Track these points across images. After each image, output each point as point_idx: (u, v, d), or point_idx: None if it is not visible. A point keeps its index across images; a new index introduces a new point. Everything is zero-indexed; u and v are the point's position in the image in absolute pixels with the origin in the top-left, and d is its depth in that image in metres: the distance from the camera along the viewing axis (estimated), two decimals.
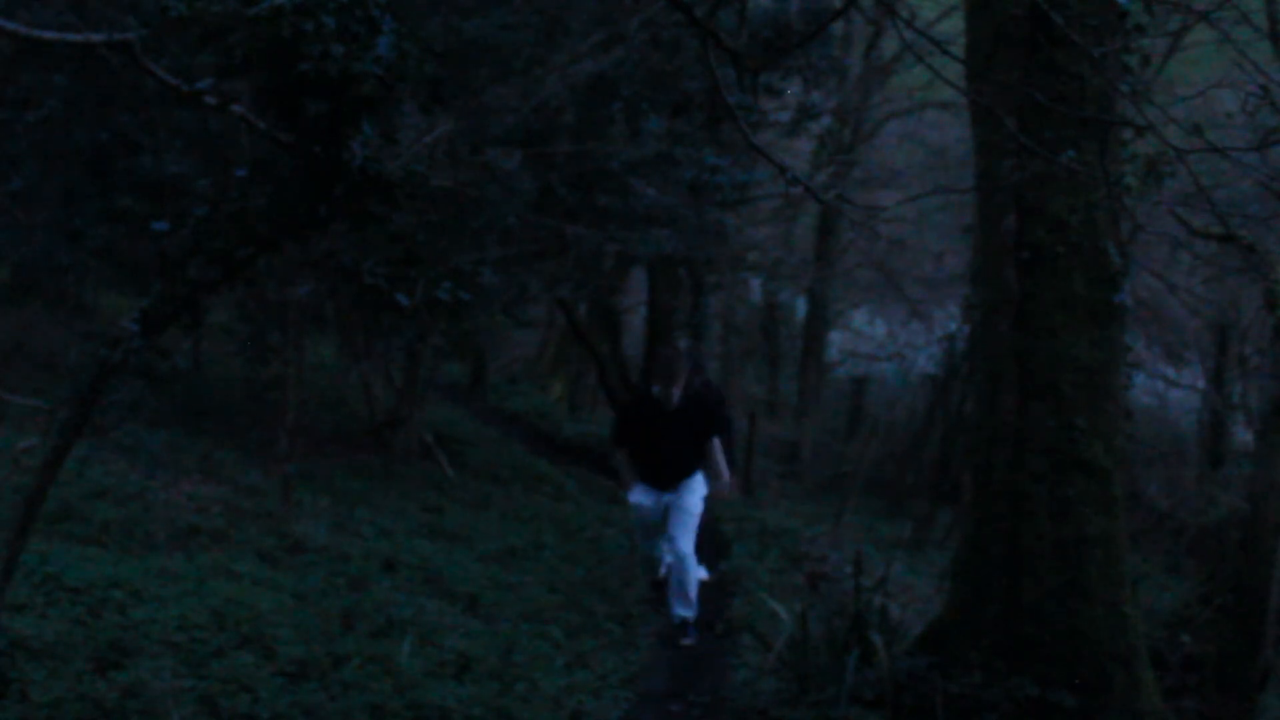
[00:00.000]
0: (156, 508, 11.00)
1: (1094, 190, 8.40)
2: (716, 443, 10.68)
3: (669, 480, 10.69)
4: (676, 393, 10.38)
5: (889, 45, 25.46)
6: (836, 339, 34.23)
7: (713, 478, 10.86)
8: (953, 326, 24.25)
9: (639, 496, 10.82)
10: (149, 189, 12.43)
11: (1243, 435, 24.31)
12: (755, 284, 30.73)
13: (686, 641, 10.69)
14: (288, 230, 6.08)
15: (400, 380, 18.49)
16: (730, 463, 11.34)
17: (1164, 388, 27.64)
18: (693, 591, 10.70)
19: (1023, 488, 8.37)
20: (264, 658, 7.86)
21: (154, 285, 6.18)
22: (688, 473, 10.71)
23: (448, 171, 10.35)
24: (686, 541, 10.60)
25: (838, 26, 21.79)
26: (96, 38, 5.29)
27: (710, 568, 12.03)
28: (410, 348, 16.70)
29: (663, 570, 11.09)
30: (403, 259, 6.36)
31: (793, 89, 18.83)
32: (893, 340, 32.35)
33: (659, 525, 10.82)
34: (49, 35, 5.31)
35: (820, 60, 17.85)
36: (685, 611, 10.70)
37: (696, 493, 10.74)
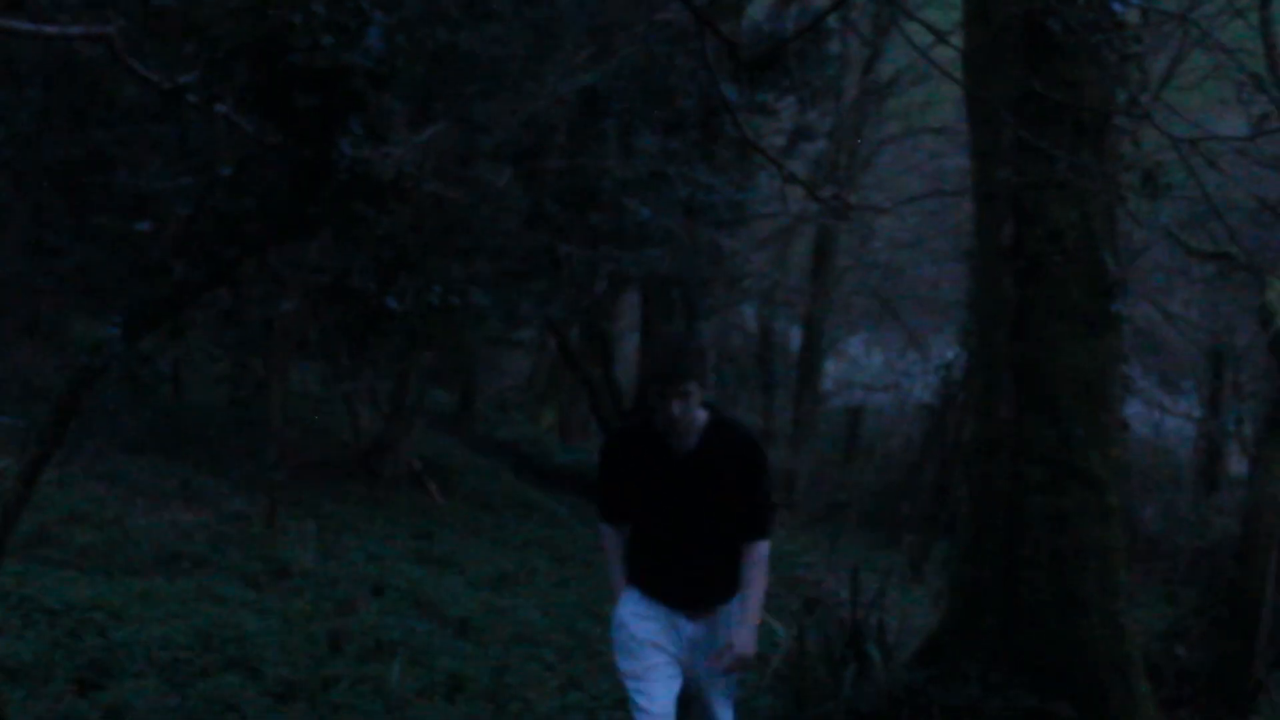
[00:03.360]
0: (137, 533, 10.92)
1: (1092, 199, 8.35)
2: (760, 551, 5.72)
3: (693, 594, 5.79)
4: (696, 420, 5.63)
5: (885, 68, 25.51)
6: (832, 368, 34.19)
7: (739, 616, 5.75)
8: (950, 355, 24.19)
9: (634, 609, 5.85)
10: (125, 206, 12.30)
11: (1238, 466, 24.34)
12: (750, 312, 30.69)
13: None
14: (275, 231, 5.98)
15: (387, 406, 18.39)
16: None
17: (1160, 416, 27.63)
18: None
19: (1020, 498, 8.30)
20: (250, 678, 7.78)
21: (136, 289, 6.06)
22: (725, 584, 5.78)
23: (438, 182, 10.26)
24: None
25: (834, 47, 21.78)
26: (74, 30, 5.17)
27: None
28: (398, 362, 16.59)
29: None
30: (392, 262, 6.25)
31: (787, 109, 18.83)
32: (889, 370, 32.31)
33: (669, 669, 5.82)
34: (25, 26, 5.18)
35: (816, 79, 17.82)
36: None
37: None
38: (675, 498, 5.65)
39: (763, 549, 5.69)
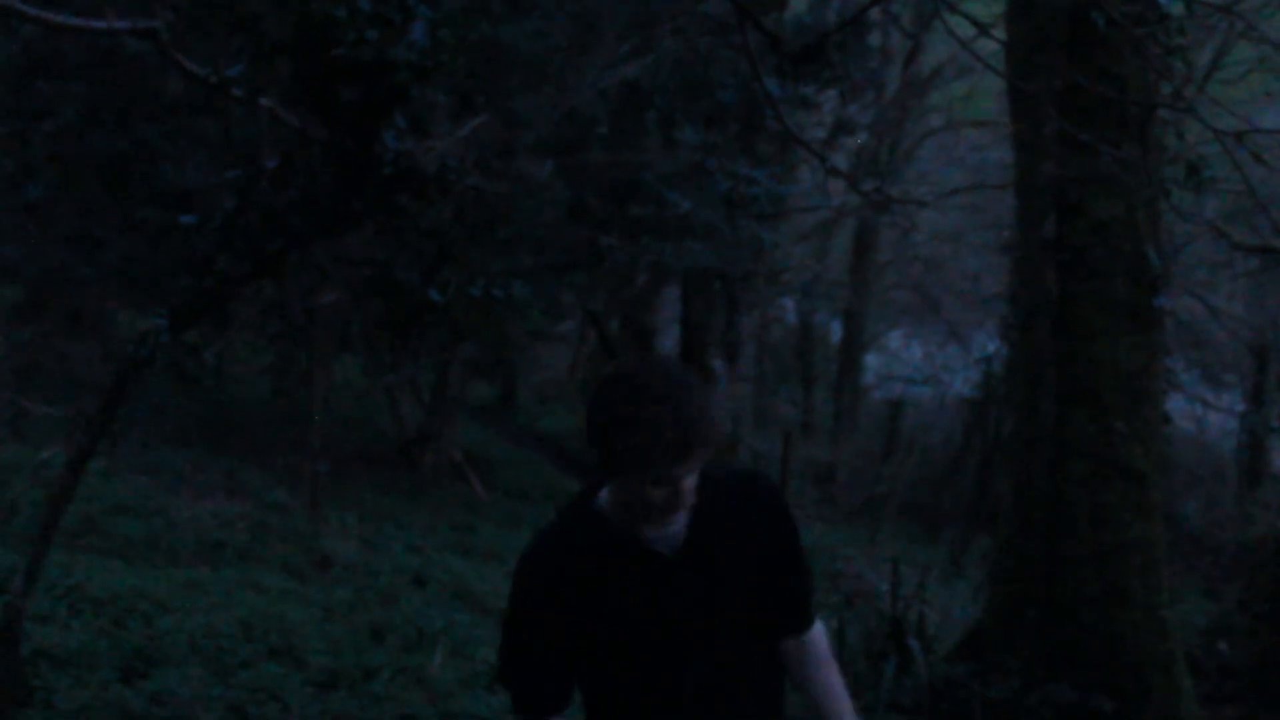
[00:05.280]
0: (181, 524, 10.97)
1: (1135, 192, 8.31)
2: (820, 641, 3.54)
3: None
4: (683, 505, 3.12)
5: (927, 61, 25.43)
6: (872, 362, 34.09)
7: None
8: (990, 349, 24.15)
9: None
10: (170, 199, 12.34)
11: None
12: (790, 305, 30.65)
13: None
14: (318, 224, 6.00)
15: (429, 398, 18.46)
16: None
17: (1203, 411, 27.48)
18: None
19: (1062, 493, 8.26)
20: (293, 667, 7.79)
21: (181, 281, 6.10)
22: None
23: (480, 175, 10.27)
24: None
25: (875, 39, 21.73)
26: (121, 25, 5.19)
27: None
28: (440, 354, 16.65)
29: None
30: (435, 254, 6.27)
31: (829, 102, 18.78)
32: (930, 363, 32.22)
33: None
34: (72, 21, 5.22)
35: (857, 72, 17.79)
36: None
37: None
38: (669, 621, 3.22)
39: (821, 637, 3.55)
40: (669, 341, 27.53)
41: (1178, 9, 8.33)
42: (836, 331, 32.13)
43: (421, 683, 8.00)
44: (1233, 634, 10.83)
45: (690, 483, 3.06)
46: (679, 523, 3.19)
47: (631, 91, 13.40)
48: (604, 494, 3.24)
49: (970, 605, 10.73)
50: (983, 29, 6.67)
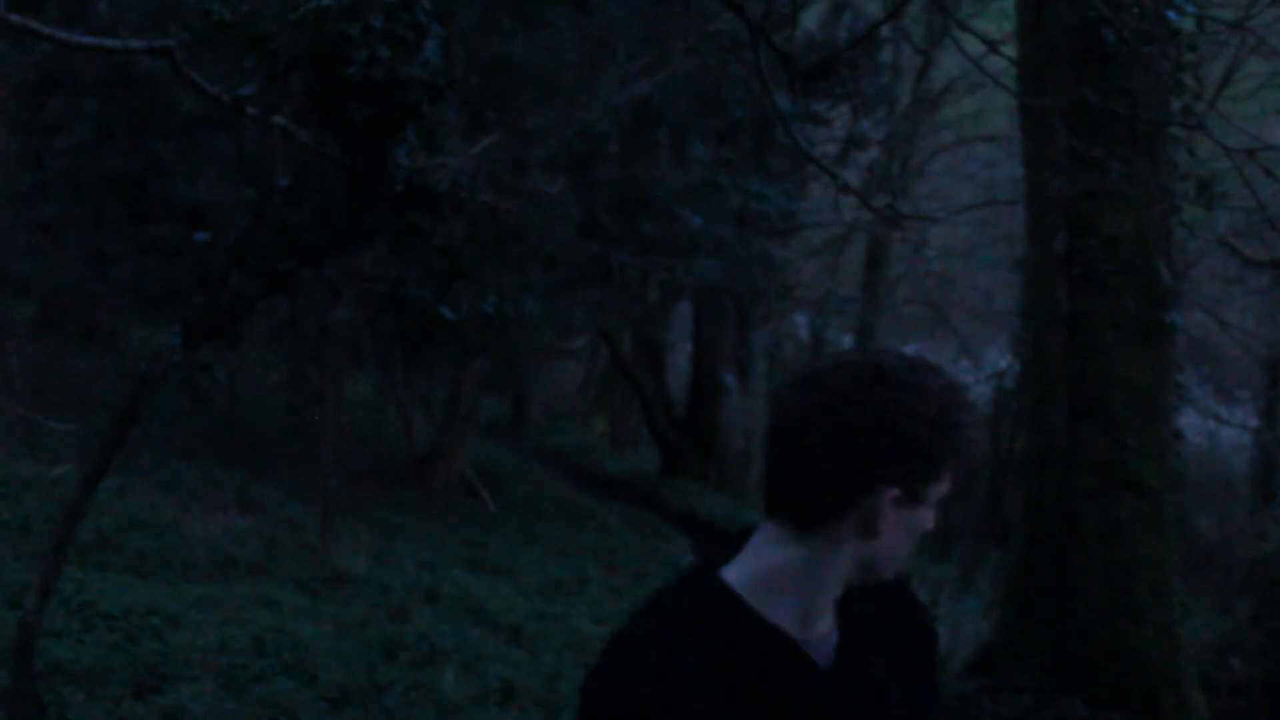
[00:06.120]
0: (193, 539, 10.98)
1: (1146, 208, 8.31)
2: None
3: None
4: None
5: (938, 77, 25.40)
6: None
7: None
8: (1002, 364, 24.11)
9: None
10: (183, 216, 12.39)
11: None
12: (802, 321, 30.62)
13: None
14: (331, 241, 6.01)
15: (440, 415, 18.45)
16: None
17: (1215, 427, 27.38)
18: None
19: (1073, 508, 8.26)
20: (305, 684, 7.80)
21: (194, 298, 6.12)
22: None
23: (491, 192, 10.29)
24: None
25: (887, 56, 21.76)
26: (136, 44, 5.22)
27: None
28: (452, 370, 16.65)
29: None
30: (447, 271, 6.28)
31: (840, 118, 18.80)
32: None
33: None
34: (87, 40, 5.25)
35: (869, 88, 17.81)
36: None
37: None
38: None
39: None
40: (681, 357, 27.56)
41: (1188, 25, 8.34)
42: (848, 347, 32.07)
43: (433, 699, 8.00)
44: (1245, 650, 10.79)
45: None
46: (825, 629, 2.25)
47: (643, 108, 13.40)
48: (739, 572, 2.22)
49: (982, 621, 10.70)
50: (993, 46, 6.69)
